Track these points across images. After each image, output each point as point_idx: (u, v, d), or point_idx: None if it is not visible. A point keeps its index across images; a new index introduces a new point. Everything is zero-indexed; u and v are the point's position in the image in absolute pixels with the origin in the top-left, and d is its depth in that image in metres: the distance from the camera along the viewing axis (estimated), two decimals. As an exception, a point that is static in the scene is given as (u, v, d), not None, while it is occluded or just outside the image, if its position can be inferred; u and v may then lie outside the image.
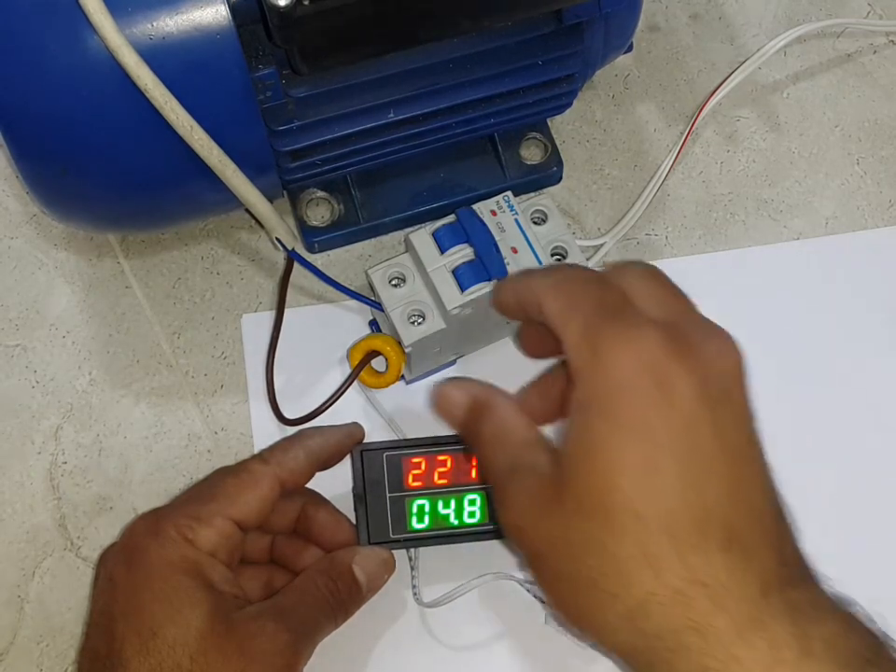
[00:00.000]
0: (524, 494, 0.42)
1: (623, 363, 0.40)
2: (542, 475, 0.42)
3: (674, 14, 0.67)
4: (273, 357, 0.57)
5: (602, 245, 0.60)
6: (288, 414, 0.55)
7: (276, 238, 0.54)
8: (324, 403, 0.55)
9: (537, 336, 0.47)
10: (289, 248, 0.54)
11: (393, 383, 0.56)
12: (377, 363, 0.56)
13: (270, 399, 0.56)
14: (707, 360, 0.40)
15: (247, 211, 0.52)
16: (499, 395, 0.46)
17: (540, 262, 0.53)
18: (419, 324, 0.53)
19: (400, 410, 0.57)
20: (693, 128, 0.61)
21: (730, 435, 0.40)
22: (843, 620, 0.39)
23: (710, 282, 0.60)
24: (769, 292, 0.60)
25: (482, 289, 0.52)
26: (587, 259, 0.57)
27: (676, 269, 0.59)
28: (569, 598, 0.41)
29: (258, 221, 0.53)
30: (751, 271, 0.60)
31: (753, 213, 0.62)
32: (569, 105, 0.58)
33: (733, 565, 0.38)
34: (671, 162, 0.61)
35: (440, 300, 0.52)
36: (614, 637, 0.40)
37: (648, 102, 0.64)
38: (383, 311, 0.54)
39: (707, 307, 0.60)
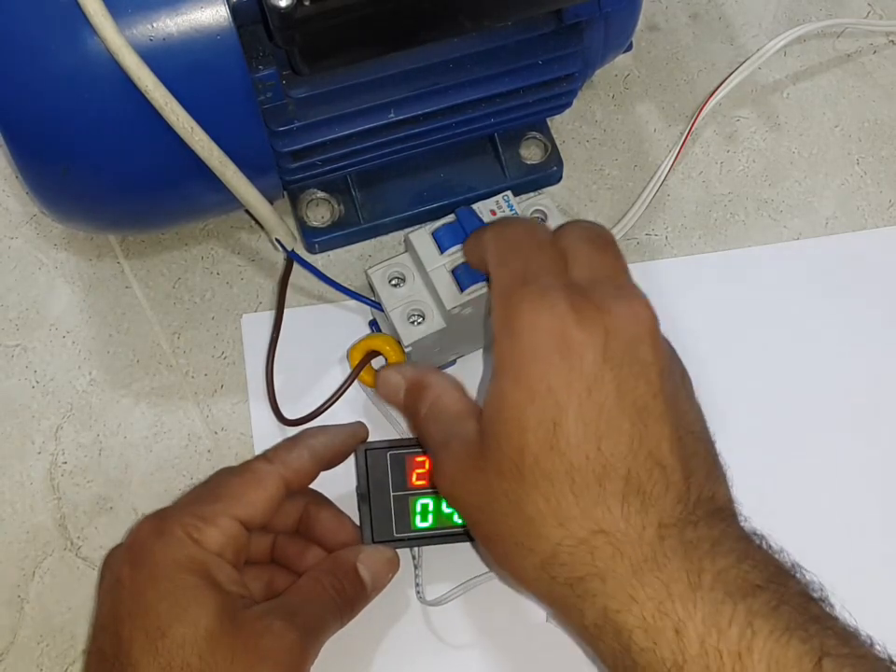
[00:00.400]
0: (453, 461, 0.46)
1: (530, 329, 0.43)
2: (469, 442, 0.45)
3: (674, 14, 0.67)
4: (273, 358, 0.57)
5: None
6: (288, 415, 0.55)
7: (276, 239, 0.54)
8: (324, 403, 0.55)
9: None
10: (289, 249, 0.54)
11: None
12: (377, 363, 0.56)
13: (270, 399, 0.56)
14: (613, 324, 0.43)
15: (247, 212, 0.52)
16: (434, 375, 0.50)
17: None
18: (419, 324, 0.53)
19: None
20: (693, 128, 0.61)
21: (634, 393, 0.42)
22: (740, 552, 0.41)
23: (710, 282, 0.60)
24: (769, 292, 0.60)
25: (481, 289, 0.52)
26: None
27: (676, 269, 0.60)
28: (499, 555, 0.45)
29: (257, 222, 0.53)
30: (751, 271, 0.60)
31: (753, 213, 0.62)
32: (569, 104, 0.58)
33: (630, 513, 0.41)
34: (671, 162, 0.61)
35: (439, 299, 0.52)
36: (536, 587, 0.44)
37: (648, 102, 0.64)
38: (382, 311, 0.54)
39: (708, 307, 0.60)
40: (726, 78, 0.61)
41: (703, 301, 0.59)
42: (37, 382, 0.58)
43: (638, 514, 0.41)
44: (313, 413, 0.55)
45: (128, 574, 0.46)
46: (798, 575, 0.42)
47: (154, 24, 0.43)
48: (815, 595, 0.41)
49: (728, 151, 0.63)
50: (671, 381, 0.44)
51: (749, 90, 0.65)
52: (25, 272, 0.60)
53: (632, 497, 0.41)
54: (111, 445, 0.57)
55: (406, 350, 0.53)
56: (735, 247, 0.61)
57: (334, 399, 0.55)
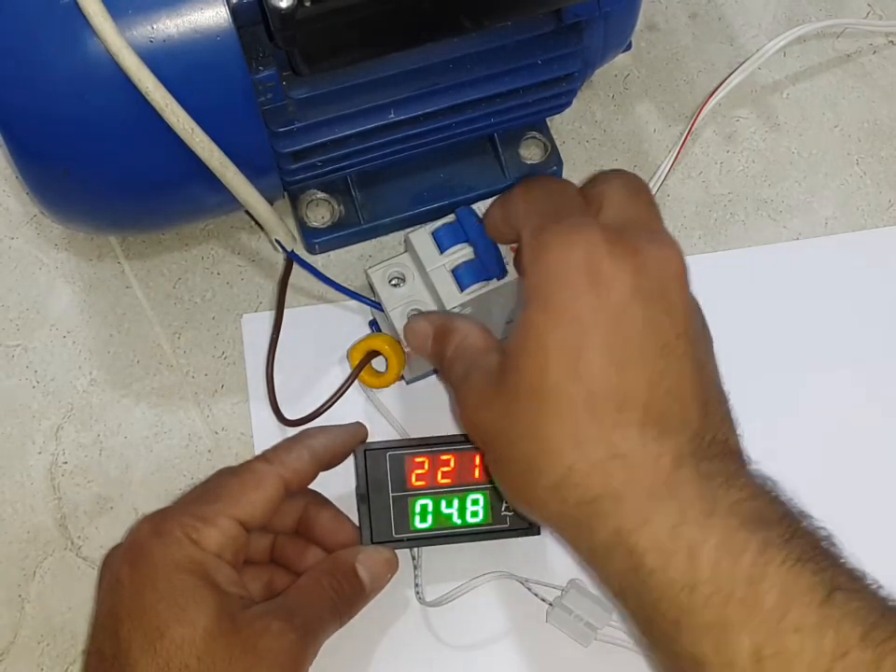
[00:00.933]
0: (474, 390, 0.46)
1: (561, 258, 0.44)
2: (490, 371, 0.46)
3: (673, 14, 0.67)
4: (273, 358, 0.57)
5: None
6: (289, 415, 0.55)
7: (276, 239, 0.54)
8: (324, 404, 0.55)
9: None
10: (289, 250, 0.54)
11: (393, 382, 0.56)
12: (377, 363, 0.56)
13: (270, 399, 0.56)
14: (646, 262, 0.44)
15: (247, 213, 0.52)
16: (460, 319, 0.50)
17: None
18: None
19: (401, 410, 0.57)
20: (693, 128, 0.61)
21: (659, 330, 0.43)
22: (754, 488, 0.42)
23: (710, 282, 0.60)
24: (769, 292, 0.60)
25: (481, 289, 0.52)
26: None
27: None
28: (511, 479, 0.46)
29: (257, 223, 0.53)
30: (751, 271, 0.60)
31: (753, 213, 0.62)
32: (569, 104, 0.58)
33: (648, 440, 0.42)
34: (671, 163, 0.61)
35: (439, 299, 0.52)
36: (546, 510, 0.44)
37: (647, 102, 0.64)
38: (382, 311, 0.54)
39: (707, 307, 0.60)
40: (726, 79, 0.61)
41: (702, 300, 0.59)
42: (38, 382, 0.58)
43: (655, 442, 0.42)
44: (313, 413, 0.55)
45: (127, 574, 0.46)
46: (808, 520, 0.42)
47: (154, 26, 0.43)
48: (826, 537, 0.42)
49: (728, 151, 0.63)
50: (694, 326, 0.45)
51: (749, 90, 0.65)
52: (26, 272, 0.60)
53: (650, 426, 0.42)
54: (111, 445, 0.57)
55: (406, 350, 0.53)
56: (734, 247, 0.61)
57: (334, 399, 0.55)
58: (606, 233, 0.44)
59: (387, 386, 0.56)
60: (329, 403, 0.55)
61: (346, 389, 0.55)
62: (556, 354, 0.43)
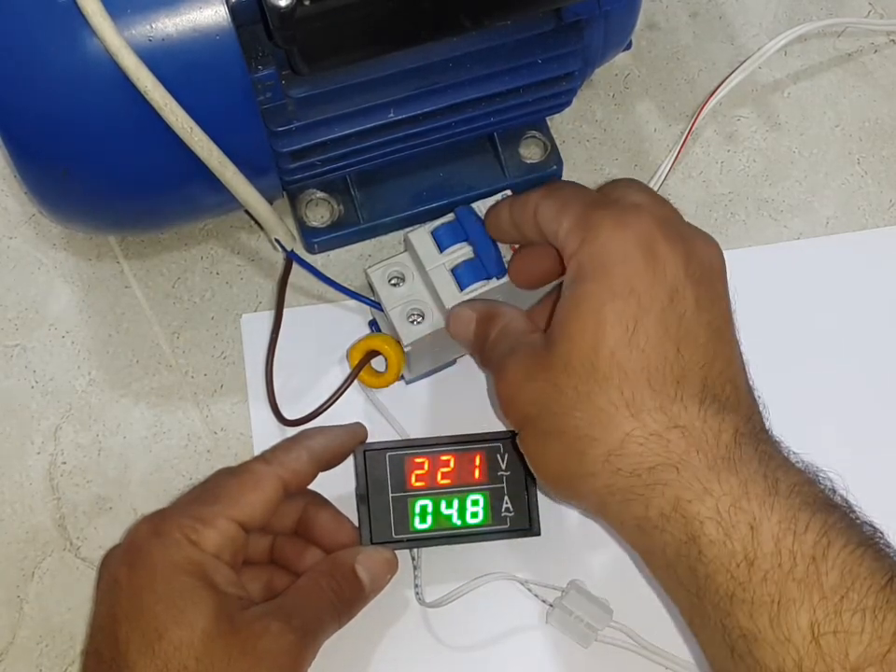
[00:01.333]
0: (516, 365, 0.46)
1: (617, 236, 0.44)
2: (535, 347, 0.46)
3: (674, 13, 0.67)
4: (273, 358, 0.56)
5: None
6: (288, 415, 0.55)
7: (275, 239, 0.54)
8: (324, 404, 0.55)
9: (529, 259, 0.51)
10: (288, 249, 0.54)
11: (393, 382, 0.55)
12: (377, 363, 0.56)
13: (269, 399, 0.56)
14: (693, 247, 0.45)
15: (247, 212, 0.52)
16: (504, 306, 0.51)
17: None
18: (418, 323, 0.53)
19: (401, 410, 0.56)
20: (694, 128, 0.61)
21: (710, 312, 0.44)
22: (810, 474, 0.42)
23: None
24: (769, 292, 0.59)
25: (481, 288, 0.52)
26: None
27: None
28: (556, 454, 0.45)
29: (257, 222, 0.53)
30: (752, 270, 0.60)
31: (753, 213, 0.62)
32: (569, 103, 0.58)
33: (708, 415, 0.42)
34: (671, 162, 0.61)
35: (439, 298, 0.52)
36: (594, 481, 0.43)
37: (648, 101, 0.64)
38: (382, 310, 0.54)
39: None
40: (726, 78, 0.61)
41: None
42: (37, 382, 0.58)
43: (715, 417, 0.42)
44: (312, 413, 0.54)
45: (125, 575, 0.46)
46: (858, 510, 0.43)
47: (153, 25, 0.43)
48: (877, 528, 0.42)
49: (728, 151, 0.63)
50: (733, 317, 0.46)
51: (750, 89, 0.65)
52: (24, 271, 0.60)
53: (709, 402, 0.42)
54: (110, 445, 0.57)
55: (405, 350, 0.53)
56: (735, 247, 0.61)
57: (334, 399, 0.55)
58: (657, 219, 0.45)
59: (387, 386, 0.56)
60: (329, 403, 0.55)
61: (345, 389, 0.55)
62: (613, 324, 0.43)
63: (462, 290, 0.52)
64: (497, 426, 0.55)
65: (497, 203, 0.53)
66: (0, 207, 0.62)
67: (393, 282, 0.53)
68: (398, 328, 0.53)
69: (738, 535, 0.40)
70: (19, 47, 0.43)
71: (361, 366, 0.55)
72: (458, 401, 0.57)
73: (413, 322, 0.53)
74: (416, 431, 0.55)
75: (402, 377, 0.56)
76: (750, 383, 0.46)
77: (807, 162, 0.63)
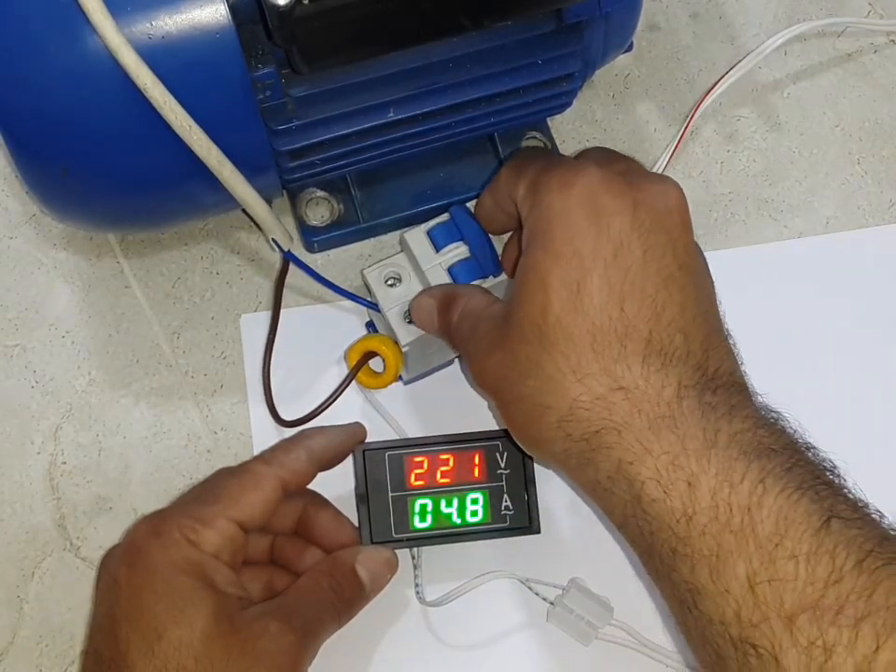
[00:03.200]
0: (481, 339, 0.47)
1: (559, 197, 0.44)
2: (495, 319, 0.46)
3: (674, 13, 0.67)
4: (270, 359, 0.56)
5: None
6: (286, 416, 0.55)
7: (273, 239, 0.53)
8: (321, 405, 0.54)
9: (514, 246, 0.52)
10: (285, 250, 0.54)
11: (391, 383, 0.55)
12: (374, 364, 0.56)
13: (266, 400, 0.56)
14: (643, 197, 0.44)
15: (244, 211, 0.52)
16: (461, 287, 0.51)
17: None
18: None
19: (399, 409, 0.56)
20: (691, 124, 0.61)
21: (660, 262, 0.44)
22: (758, 419, 0.42)
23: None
24: (770, 290, 0.59)
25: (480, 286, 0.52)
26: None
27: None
28: (520, 419, 0.46)
29: (254, 222, 0.53)
30: (752, 269, 0.60)
31: (753, 213, 0.62)
32: (569, 104, 0.58)
33: (650, 372, 0.42)
34: (668, 158, 0.60)
35: None
36: (552, 447, 0.45)
37: (648, 101, 0.64)
38: (379, 311, 0.54)
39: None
40: (724, 75, 0.61)
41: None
42: (37, 382, 0.58)
43: (658, 374, 0.42)
44: (310, 414, 0.54)
45: (124, 575, 0.46)
46: (815, 450, 0.42)
47: (153, 23, 0.43)
48: (830, 468, 0.42)
49: (728, 151, 0.63)
50: (696, 260, 0.45)
51: (750, 89, 0.65)
52: (24, 271, 0.60)
53: (653, 358, 0.42)
54: (110, 445, 0.57)
55: (403, 350, 0.53)
56: (735, 247, 0.61)
57: (331, 400, 0.55)
58: (605, 172, 0.44)
59: (385, 387, 0.56)
60: (327, 404, 0.54)
61: (343, 390, 0.55)
62: (558, 289, 0.43)
63: None
64: (496, 424, 0.55)
65: (480, 197, 0.53)
66: (1, 207, 0.62)
67: (389, 282, 0.53)
68: (395, 328, 0.53)
69: (677, 492, 0.40)
70: (18, 46, 0.43)
71: (359, 367, 0.55)
72: (456, 400, 0.57)
73: (410, 322, 0.53)
74: (415, 431, 0.55)
75: (400, 377, 0.56)
76: (719, 325, 0.45)
77: (807, 162, 0.63)
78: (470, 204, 0.54)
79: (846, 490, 0.41)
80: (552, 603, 0.52)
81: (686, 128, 0.61)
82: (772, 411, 0.43)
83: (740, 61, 0.61)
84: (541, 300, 0.43)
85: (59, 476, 0.56)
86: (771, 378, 0.57)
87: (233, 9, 0.44)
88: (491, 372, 0.46)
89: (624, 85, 0.65)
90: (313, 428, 0.54)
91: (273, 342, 0.57)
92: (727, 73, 0.61)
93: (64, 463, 0.57)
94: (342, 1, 0.42)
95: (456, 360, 0.58)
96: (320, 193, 0.58)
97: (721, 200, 0.62)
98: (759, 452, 0.40)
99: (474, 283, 0.52)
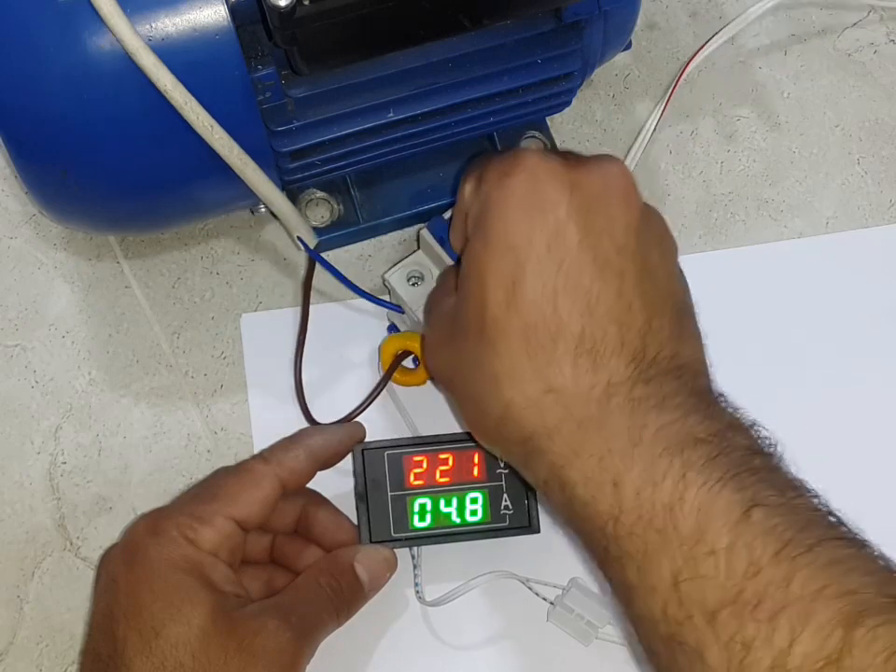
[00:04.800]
0: (434, 333, 0.47)
1: (498, 187, 0.43)
2: (446, 313, 0.46)
3: (674, 13, 0.67)
4: (301, 359, 0.56)
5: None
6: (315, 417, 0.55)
7: (297, 237, 0.54)
8: (360, 405, 0.55)
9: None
10: (311, 247, 0.54)
11: (426, 380, 0.56)
12: (405, 361, 0.56)
13: (299, 401, 0.55)
14: (580, 179, 0.43)
15: (265, 211, 0.52)
16: (445, 270, 0.51)
17: None
18: None
19: (425, 405, 0.56)
20: (676, 88, 0.62)
21: (597, 249, 0.42)
22: (689, 407, 0.41)
23: (710, 281, 0.60)
24: (770, 290, 0.59)
25: None
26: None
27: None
28: (468, 418, 0.46)
29: (277, 219, 0.53)
30: (752, 269, 0.60)
31: (754, 213, 0.62)
32: (569, 103, 0.58)
33: (580, 373, 0.41)
34: (650, 130, 0.62)
35: None
36: (494, 446, 0.45)
37: (648, 101, 0.64)
38: (402, 312, 0.54)
39: (707, 306, 0.60)
40: (708, 41, 0.62)
41: (702, 299, 0.59)
42: (37, 382, 0.58)
43: (588, 374, 0.41)
44: (348, 416, 0.55)
45: (123, 573, 0.46)
46: (752, 431, 0.42)
47: (153, 24, 0.43)
48: (764, 449, 0.41)
49: (728, 151, 0.63)
50: (640, 237, 0.43)
51: (750, 89, 0.65)
52: (24, 272, 0.60)
53: (583, 358, 0.42)
54: (111, 445, 0.57)
55: None
56: (735, 247, 0.61)
57: (370, 400, 0.55)
58: (543, 157, 0.43)
59: (422, 384, 0.56)
60: (365, 405, 0.55)
61: (381, 390, 0.55)
62: (493, 286, 0.42)
63: None
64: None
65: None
66: (0, 207, 0.62)
67: (412, 282, 0.54)
68: None
69: (603, 494, 0.40)
70: (18, 46, 0.43)
71: (395, 366, 0.55)
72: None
73: None
74: (440, 428, 0.55)
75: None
76: (668, 301, 0.44)
77: (807, 162, 0.63)
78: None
79: (777, 473, 0.40)
80: (552, 603, 0.52)
81: (671, 94, 0.62)
82: (713, 392, 0.43)
83: (724, 27, 0.62)
84: (479, 296, 0.43)
85: (59, 476, 0.56)
86: (771, 378, 0.57)
87: (233, 11, 0.44)
88: (441, 368, 0.46)
89: (624, 85, 0.65)
90: (312, 427, 0.54)
91: (303, 342, 0.56)
92: (710, 39, 0.62)
93: (64, 463, 0.57)
94: (342, 2, 0.42)
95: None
96: (320, 194, 0.58)
97: (720, 200, 0.62)
98: (683, 444, 0.40)
99: None
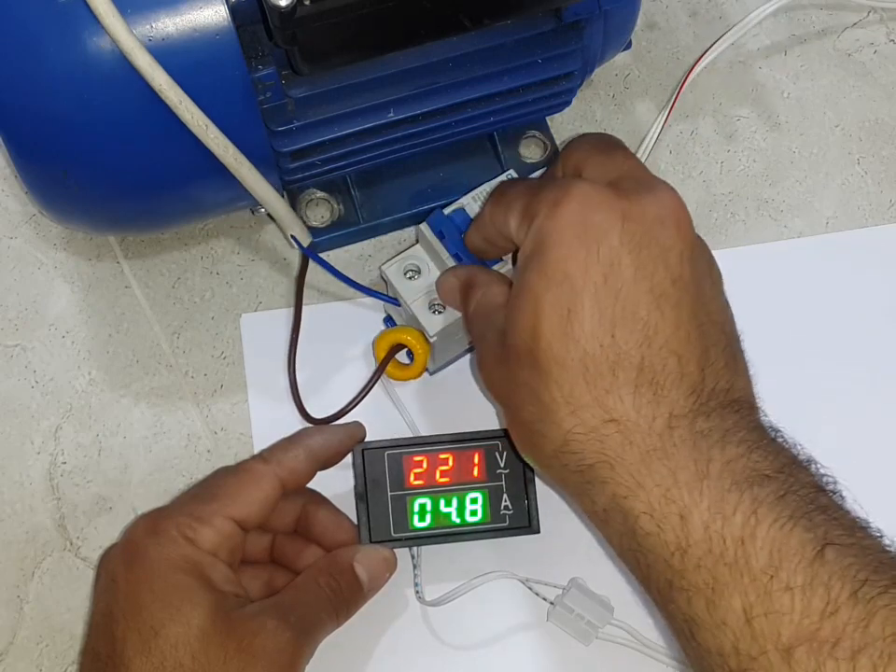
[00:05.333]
0: (488, 350, 0.46)
1: (551, 218, 0.43)
2: (499, 333, 0.45)
3: (674, 13, 0.67)
4: (294, 358, 0.56)
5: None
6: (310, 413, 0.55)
7: (291, 236, 0.54)
8: (352, 400, 0.55)
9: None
10: (305, 245, 0.54)
11: (420, 374, 0.56)
12: (400, 356, 0.56)
13: (294, 399, 0.55)
14: (632, 209, 0.43)
15: (264, 212, 0.52)
16: (482, 273, 0.50)
17: None
18: (440, 312, 0.53)
19: (424, 403, 0.57)
20: (679, 95, 0.62)
21: (652, 279, 0.42)
22: (752, 442, 0.41)
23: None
24: (770, 290, 0.59)
25: (501, 269, 0.52)
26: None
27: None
28: (521, 441, 0.46)
29: (272, 218, 0.53)
30: (752, 269, 0.60)
31: (754, 213, 0.62)
32: (569, 103, 0.58)
33: (642, 403, 0.42)
34: (656, 135, 0.61)
35: None
36: (550, 473, 0.45)
37: (648, 101, 0.64)
38: (398, 305, 0.54)
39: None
40: (711, 46, 0.62)
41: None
42: (37, 382, 0.58)
43: (650, 405, 0.42)
44: (340, 411, 0.55)
45: (122, 573, 0.46)
46: (812, 468, 0.42)
47: (153, 24, 0.43)
48: (827, 487, 0.41)
49: (728, 151, 0.63)
50: (694, 267, 0.44)
51: (750, 89, 0.65)
52: (24, 272, 0.60)
53: (644, 388, 0.42)
54: (111, 445, 0.57)
55: (431, 340, 0.53)
56: (735, 247, 0.61)
57: (362, 395, 0.55)
58: (593, 186, 0.43)
59: (416, 378, 0.56)
60: (357, 400, 0.55)
61: (374, 384, 0.55)
62: (549, 315, 0.42)
63: None
64: (497, 424, 0.55)
65: (467, 233, 0.52)
66: (1, 207, 0.62)
67: (409, 275, 0.54)
68: (421, 319, 0.53)
69: (670, 525, 0.40)
70: (18, 46, 0.43)
71: (388, 360, 0.55)
72: (457, 400, 0.57)
73: (435, 312, 0.53)
74: (431, 426, 0.55)
75: (426, 368, 0.56)
76: (721, 332, 0.44)
77: (807, 162, 0.63)
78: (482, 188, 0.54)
79: (843, 511, 0.41)
80: (552, 603, 0.52)
81: (675, 99, 0.61)
82: (769, 428, 0.43)
83: (725, 33, 0.62)
84: (533, 325, 0.43)
85: (59, 476, 0.56)
86: (771, 378, 0.57)
87: (233, 11, 0.44)
88: (495, 389, 0.47)
89: (624, 85, 0.65)
90: (312, 427, 0.54)
91: (296, 340, 0.56)
92: (711, 46, 0.62)
93: (64, 463, 0.57)
94: (343, 1, 0.42)
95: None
96: (320, 194, 0.58)
97: (720, 200, 0.62)
98: (752, 480, 0.40)
99: (499, 265, 0.52)
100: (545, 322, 0.42)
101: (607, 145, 0.48)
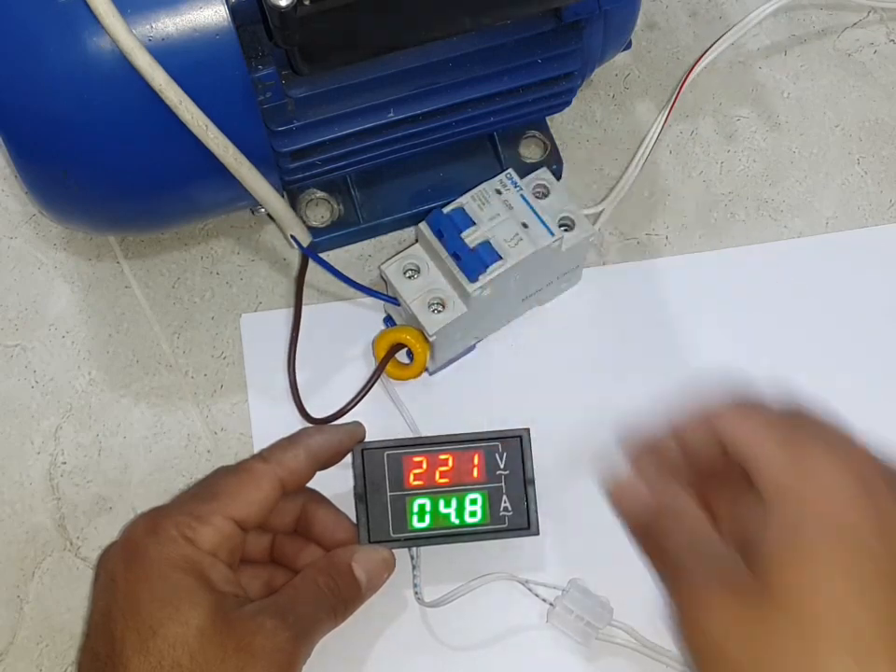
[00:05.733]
0: (721, 601, 0.40)
1: (833, 472, 0.41)
2: (742, 587, 0.40)
3: (674, 13, 0.67)
4: (294, 358, 0.56)
5: (601, 212, 0.61)
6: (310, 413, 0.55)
7: (291, 236, 0.54)
8: (352, 400, 0.55)
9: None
10: (304, 245, 0.54)
11: (420, 373, 0.56)
12: (399, 355, 0.56)
13: (294, 399, 0.56)
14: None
15: (264, 212, 0.52)
16: (683, 497, 0.45)
17: (552, 233, 0.52)
18: (440, 312, 0.53)
19: (423, 403, 0.57)
20: (679, 98, 0.62)
21: None
22: None
23: (711, 281, 0.60)
24: (770, 290, 0.59)
25: (499, 268, 0.52)
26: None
27: (676, 268, 0.60)
28: None
29: (272, 218, 0.53)
30: (752, 269, 0.60)
31: (754, 213, 0.62)
32: (569, 103, 0.58)
33: None
34: (656, 135, 0.62)
35: (459, 284, 0.52)
36: None
37: (648, 101, 0.64)
38: (398, 305, 0.54)
39: (708, 306, 0.60)
40: (711, 46, 0.62)
41: (703, 299, 0.59)
42: (37, 382, 0.58)
43: None
44: (340, 410, 0.55)
45: (121, 572, 0.46)
46: None
47: (153, 25, 0.43)
48: None
49: (728, 151, 0.63)
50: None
51: (750, 89, 0.65)
52: (25, 272, 0.60)
53: None
54: (111, 445, 0.57)
55: (430, 339, 0.53)
56: (735, 247, 0.61)
57: (362, 394, 0.55)
58: (867, 454, 0.42)
59: (416, 377, 0.56)
60: (357, 399, 0.55)
61: (374, 383, 0.55)
62: (842, 574, 0.39)
63: (483, 273, 0.52)
64: (497, 425, 0.55)
65: (631, 442, 0.47)
66: (1, 207, 0.62)
67: (408, 275, 0.54)
68: (421, 319, 0.53)
69: None
70: (19, 46, 0.43)
71: (387, 359, 0.55)
72: (457, 400, 0.57)
73: (434, 311, 0.53)
74: (439, 424, 0.55)
75: (426, 368, 0.56)
76: None
77: (807, 162, 0.63)
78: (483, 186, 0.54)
79: None
80: (551, 604, 0.52)
81: (675, 99, 0.62)
82: None
83: (725, 33, 0.62)
84: (817, 581, 0.39)
85: (59, 476, 0.56)
86: (771, 379, 0.57)
87: (233, 11, 0.44)
88: (736, 649, 0.40)
89: (624, 85, 0.65)
90: (311, 427, 0.54)
91: (296, 340, 0.57)
92: (710, 47, 0.62)
93: (64, 463, 0.57)
94: (343, 1, 0.42)
95: (478, 346, 0.58)
96: (320, 194, 0.58)
97: (721, 200, 0.62)
98: None
99: (496, 264, 0.51)
100: (838, 581, 0.39)
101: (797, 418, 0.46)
